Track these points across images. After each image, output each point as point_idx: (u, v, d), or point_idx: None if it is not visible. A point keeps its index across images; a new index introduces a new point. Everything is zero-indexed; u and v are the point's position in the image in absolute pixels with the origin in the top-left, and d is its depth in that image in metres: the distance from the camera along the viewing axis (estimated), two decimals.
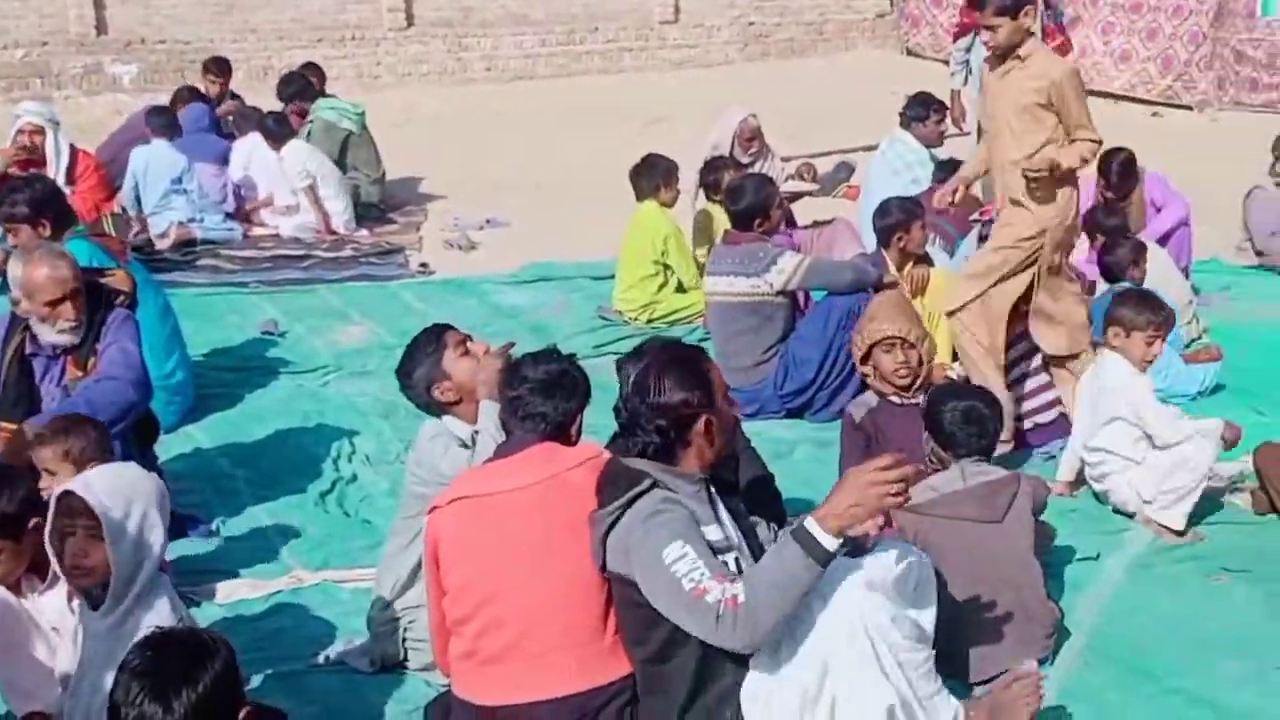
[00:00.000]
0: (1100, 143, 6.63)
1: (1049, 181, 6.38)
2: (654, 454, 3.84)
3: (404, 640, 4.73)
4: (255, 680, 4.53)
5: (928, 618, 3.91)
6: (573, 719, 3.82)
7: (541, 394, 4.24)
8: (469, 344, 4.85)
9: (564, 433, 4.29)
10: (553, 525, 3.96)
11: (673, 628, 3.65)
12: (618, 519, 3.74)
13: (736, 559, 3.85)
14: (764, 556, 3.72)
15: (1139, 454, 5.82)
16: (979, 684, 4.51)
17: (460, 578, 4.02)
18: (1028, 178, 6.31)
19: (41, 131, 10.21)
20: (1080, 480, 6.20)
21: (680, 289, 8.84)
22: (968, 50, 11.22)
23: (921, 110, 10.27)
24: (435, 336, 4.84)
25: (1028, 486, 4.93)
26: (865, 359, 6.07)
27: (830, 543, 3.48)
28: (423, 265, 10.84)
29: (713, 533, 3.82)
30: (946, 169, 9.64)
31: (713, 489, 3.98)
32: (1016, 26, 6.37)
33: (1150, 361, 5.96)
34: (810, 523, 3.52)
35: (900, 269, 7.58)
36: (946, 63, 12.45)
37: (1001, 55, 6.50)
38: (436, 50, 19.26)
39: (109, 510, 3.73)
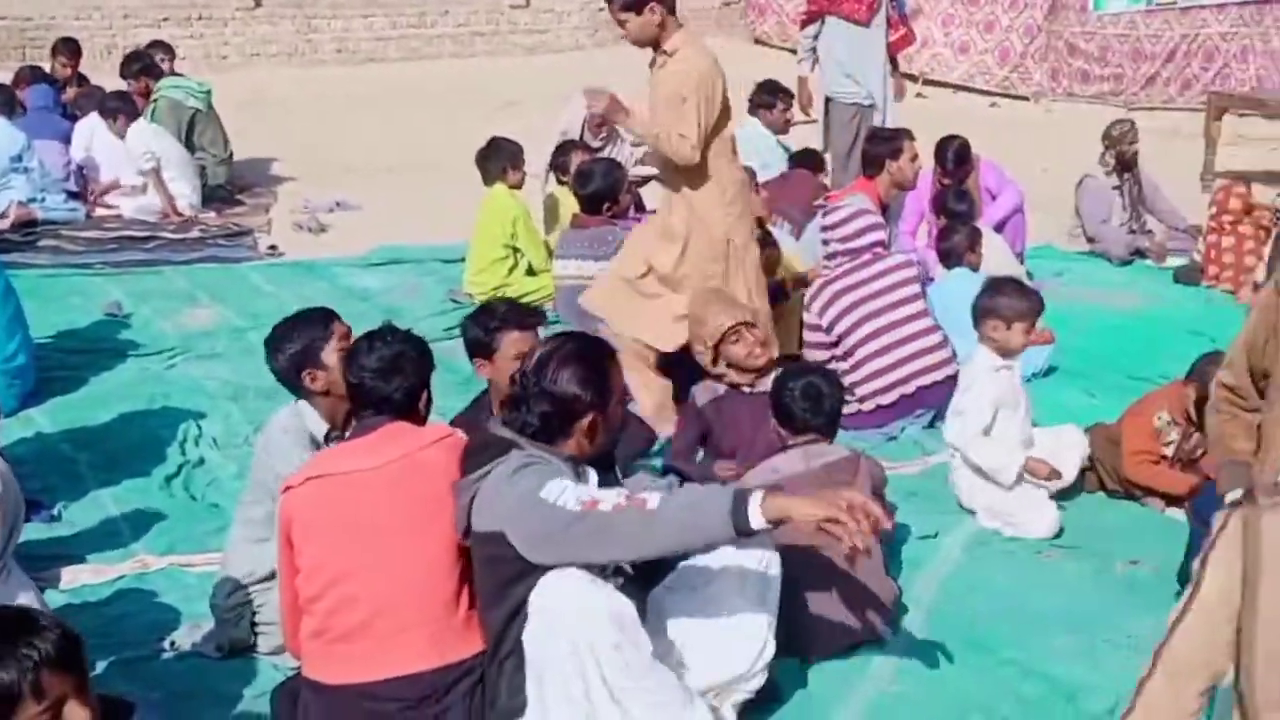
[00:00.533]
0: (695, 148, 6.45)
1: (680, 175, 6.59)
2: (531, 435, 3.83)
3: (253, 624, 4.67)
4: (100, 666, 4.43)
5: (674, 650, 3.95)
6: (423, 696, 3.80)
7: (381, 379, 4.21)
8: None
9: (412, 410, 4.28)
10: (406, 504, 3.95)
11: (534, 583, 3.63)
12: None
13: None
14: (688, 489, 3.88)
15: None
16: (818, 661, 4.57)
17: (313, 557, 3.98)
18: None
19: None
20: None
21: (530, 272, 8.79)
22: (815, 38, 11.29)
23: (769, 98, 10.40)
24: (324, 323, 4.74)
25: (866, 467, 4.99)
26: (715, 360, 6.04)
27: (757, 521, 3.47)
28: (271, 247, 10.68)
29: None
30: (801, 157, 9.78)
31: (582, 466, 3.94)
32: (644, 21, 6.49)
33: (1020, 350, 5.97)
34: (756, 494, 3.53)
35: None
36: (794, 50, 12.52)
37: (653, 49, 6.66)
38: (285, 31, 18.99)
39: None
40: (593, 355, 3.94)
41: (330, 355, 4.61)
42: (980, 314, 5.92)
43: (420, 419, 4.31)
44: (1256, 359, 3.55)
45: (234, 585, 4.67)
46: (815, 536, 3.84)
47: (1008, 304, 5.84)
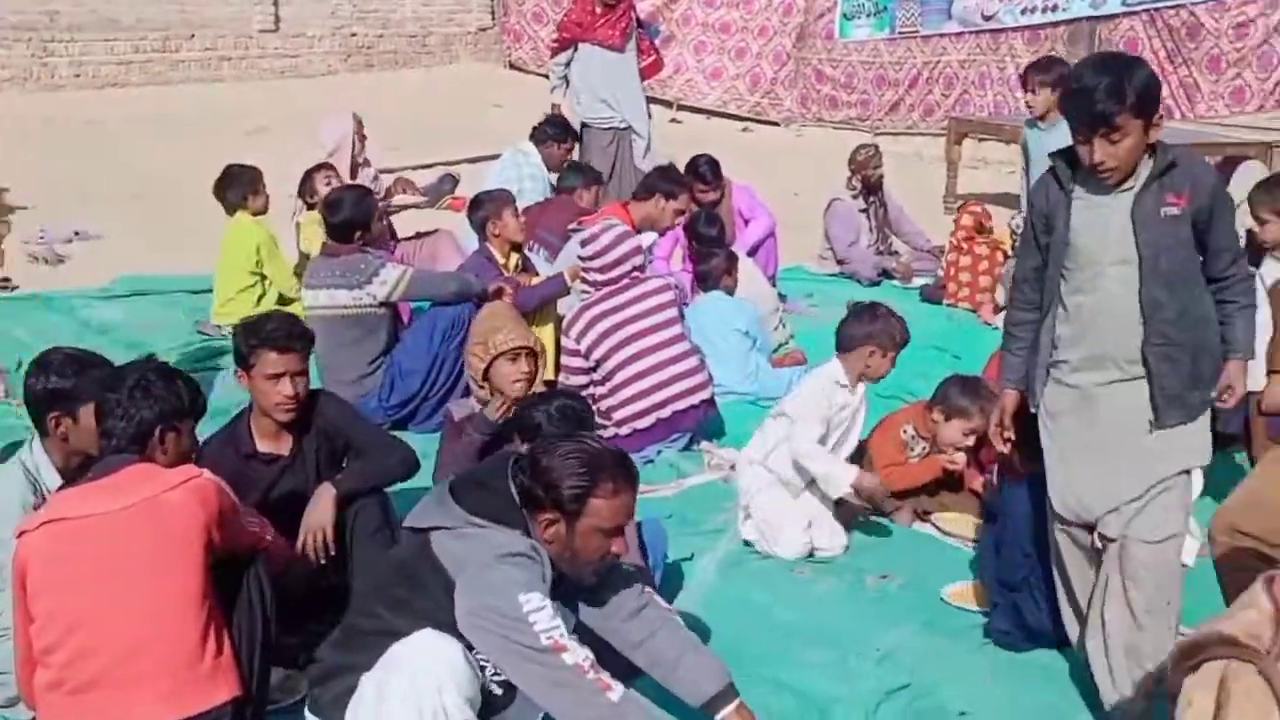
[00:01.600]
0: None
1: None
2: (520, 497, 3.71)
3: None
4: None
5: None
6: None
7: (123, 416, 4.02)
8: None
9: (144, 447, 4.05)
10: (148, 548, 3.76)
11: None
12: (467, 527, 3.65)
13: None
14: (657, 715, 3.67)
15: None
16: None
17: (48, 604, 3.76)
18: None
19: None
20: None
21: (283, 301, 8.56)
22: (566, 65, 11.36)
23: (558, 133, 10.39)
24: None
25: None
26: (486, 372, 5.90)
27: None
28: (4, 280, 10.20)
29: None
30: (566, 179, 9.75)
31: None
32: None
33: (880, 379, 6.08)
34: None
35: (506, 260, 7.66)
36: (547, 76, 12.57)
37: None
38: (19, 55, 18.32)
39: None
40: (596, 464, 3.71)
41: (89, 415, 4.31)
42: (858, 339, 5.89)
43: (164, 455, 4.08)
44: None
45: None
46: None
47: (886, 332, 5.87)
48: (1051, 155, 4.26)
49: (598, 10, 11.29)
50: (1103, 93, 3.81)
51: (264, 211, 8.92)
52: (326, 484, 4.73)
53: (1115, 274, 3.99)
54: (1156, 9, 15.86)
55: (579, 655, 3.46)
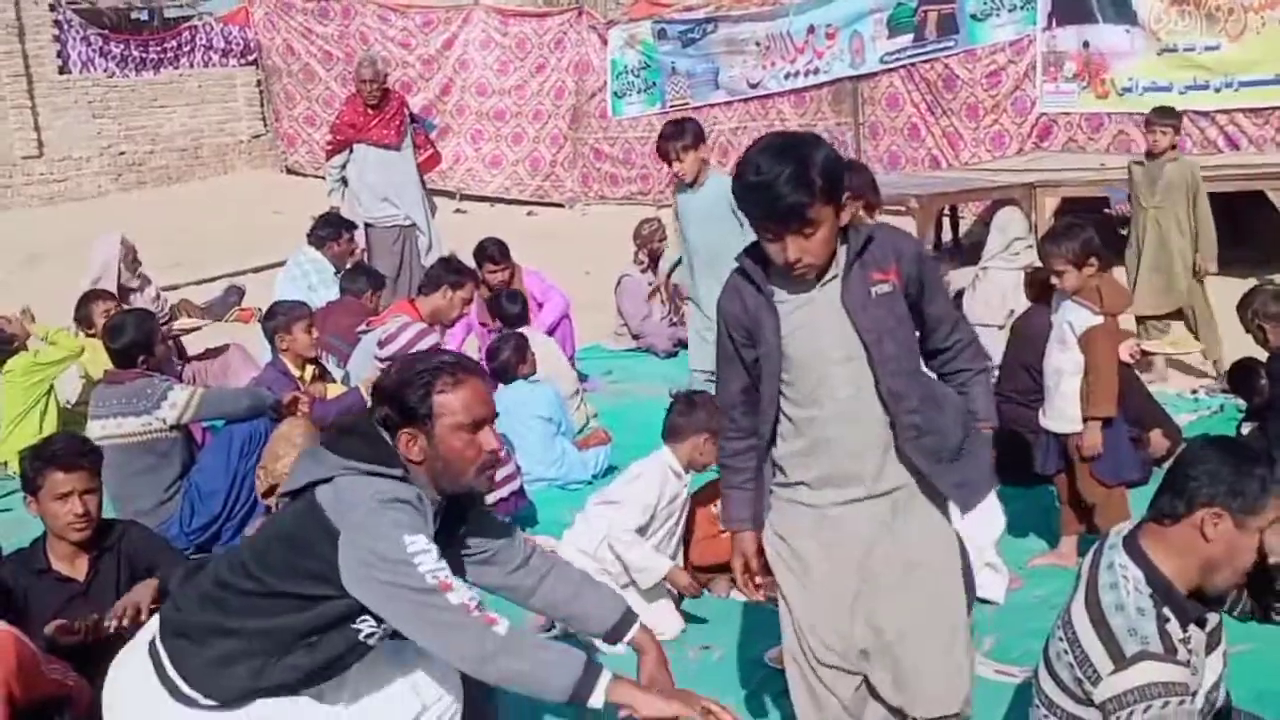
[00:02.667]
0: None
1: None
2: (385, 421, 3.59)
3: None
4: None
5: None
6: None
7: None
8: None
9: None
10: None
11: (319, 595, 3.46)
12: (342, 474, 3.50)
13: None
14: (544, 643, 3.61)
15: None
16: None
17: None
18: None
19: None
20: None
21: (62, 426, 8.29)
22: (342, 167, 11.35)
23: (332, 230, 10.33)
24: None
25: None
26: (269, 493, 5.85)
27: (598, 700, 3.34)
28: None
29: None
30: (350, 279, 9.71)
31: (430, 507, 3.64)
32: None
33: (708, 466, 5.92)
34: (607, 674, 3.38)
35: (301, 371, 7.61)
36: (325, 178, 12.54)
37: None
38: None
39: None
40: (431, 365, 3.65)
41: None
42: (690, 427, 5.89)
43: None
44: None
45: None
46: None
47: (716, 418, 5.65)
48: (738, 257, 3.72)
49: (369, 110, 11.32)
50: (787, 184, 3.33)
51: (22, 344, 8.66)
52: (149, 580, 4.65)
53: (843, 374, 3.52)
54: (913, 64, 16.39)
55: (464, 594, 3.37)
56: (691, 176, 7.97)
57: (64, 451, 4.71)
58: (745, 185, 3.44)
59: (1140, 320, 9.17)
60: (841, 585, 3.64)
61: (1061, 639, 3.54)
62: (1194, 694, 3.41)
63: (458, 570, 3.67)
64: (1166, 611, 3.39)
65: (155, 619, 3.71)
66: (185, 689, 3.48)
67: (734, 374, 3.69)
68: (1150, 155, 9.17)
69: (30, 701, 3.87)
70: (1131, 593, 3.42)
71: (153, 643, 3.57)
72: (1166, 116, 9.26)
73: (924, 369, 3.68)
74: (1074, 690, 3.49)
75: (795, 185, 3.32)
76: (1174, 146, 9.14)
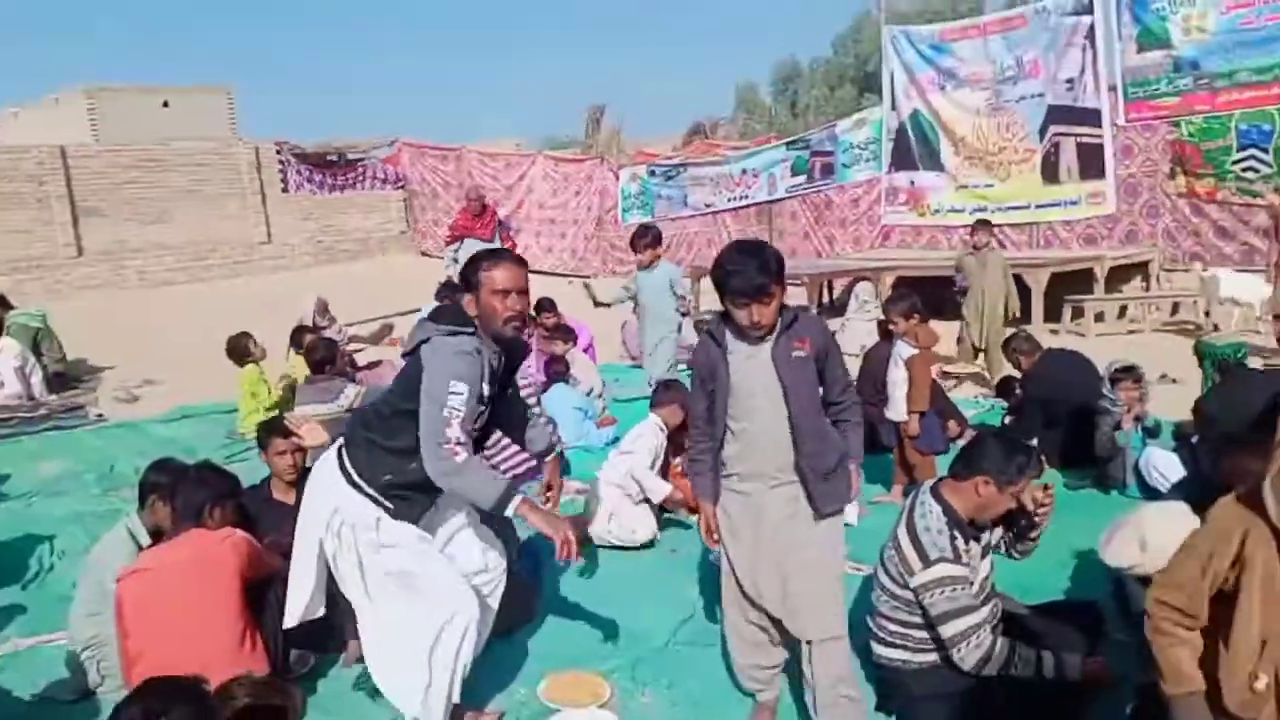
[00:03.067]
0: None
1: None
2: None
3: (99, 671, 4.18)
4: None
5: None
6: None
7: (186, 497, 4.00)
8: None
9: (199, 518, 3.97)
10: (198, 585, 3.71)
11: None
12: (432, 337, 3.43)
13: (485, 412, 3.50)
14: (486, 472, 3.43)
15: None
16: None
17: (134, 626, 3.72)
18: None
19: None
20: None
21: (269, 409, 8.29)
22: (455, 252, 11.33)
23: (450, 291, 10.30)
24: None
25: None
26: None
27: (510, 510, 3.32)
28: (99, 415, 9.78)
29: (485, 389, 3.45)
30: None
31: (501, 358, 3.56)
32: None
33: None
34: (519, 497, 3.33)
35: None
36: (443, 259, 12.53)
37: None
38: (102, 270, 17.72)
39: None
40: (484, 254, 3.59)
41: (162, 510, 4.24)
42: (668, 399, 5.93)
43: (213, 528, 3.97)
44: (1215, 582, 2.50)
45: (76, 650, 4.25)
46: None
47: (685, 392, 5.55)
48: (706, 325, 3.65)
49: (474, 218, 11.41)
50: (755, 270, 3.28)
51: (262, 358, 8.65)
52: None
53: (767, 405, 3.41)
54: (805, 194, 16.41)
55: (457, 433, 3.28)
56: (648, 262, 7.98)
57: (279, 428, 4.83)
58: (727, 271, 3.33)
59: (974, 348, 9.21)
60: (760, 547, 3.53)
61: (891, 548, 3.59)
62: (973, 583, 3.45)
63: (498, 411, 3.61)
64: (955, 533, 3.44)
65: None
66: (352, 474, 3.51)
67: (700, 399, 3.55)
68: (975, 249, 9.22)
69: (258, 577, 3.92)
70: (934, 520, 3.45)
71: (339, 449, 3.60)
72: (986, 225, 9.46)
73: (821, 414, 3.53)
74: (896, 579, 3.51)
75: (761, 271, 3.27)
76: (988, 244, 9.20)
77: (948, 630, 3.39)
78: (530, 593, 4.77)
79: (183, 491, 4.04)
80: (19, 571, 5.76)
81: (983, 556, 3.58)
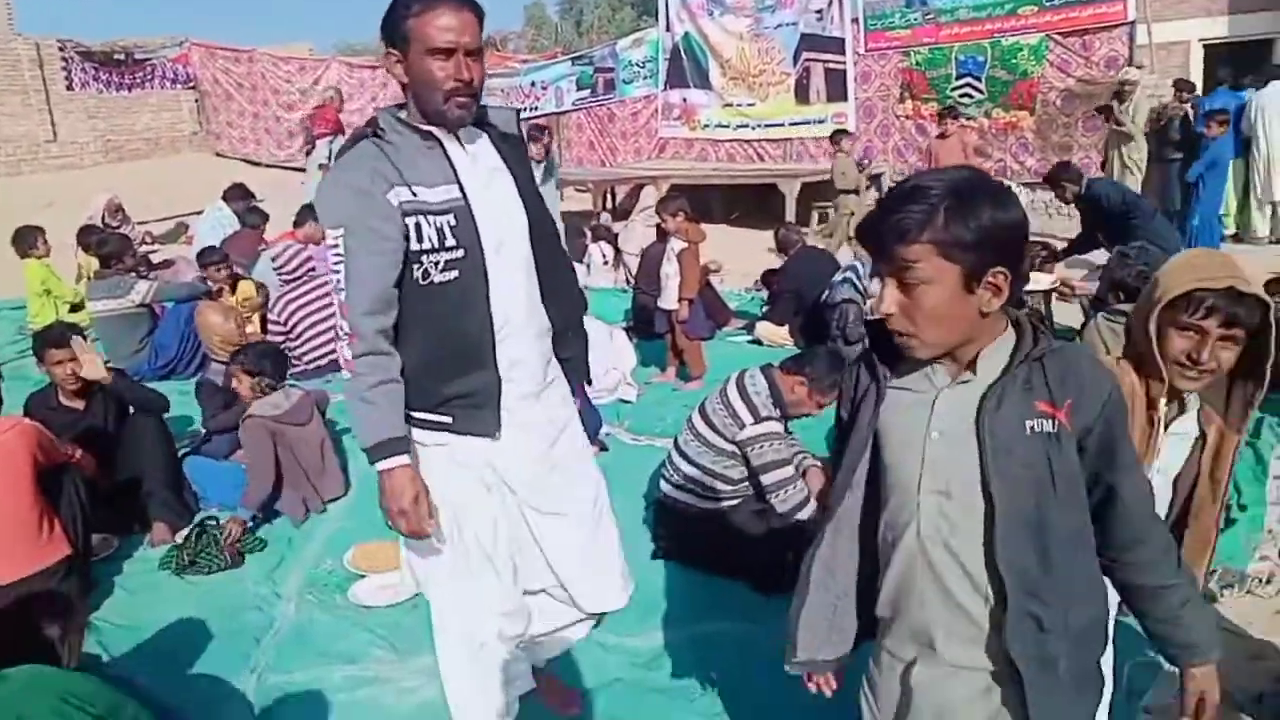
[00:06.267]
0: None
1: None
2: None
3: None
4: None
5: None
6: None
7: None
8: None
9: None
10: (11, 464, 3.41)
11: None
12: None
13: (453, 219, 2.10)
14: (380, 398, 2.09)
15: None
16: None
17: None
18: None
19: None
20: None
21: (72, 309, 7.58)
22: (331, 146, 10.69)
23: (238, 193, 9.58)
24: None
25: (310, 397, 4.64)
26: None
27: (377, 466, 2.11)
28: None
29: (436, 194, 2.10)
30: (246, 219, 9.04)
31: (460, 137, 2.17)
32: None
33: None
34: (397, 460, 2.10)
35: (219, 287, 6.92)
36: (248, 161, 11.64)
37: None
38: None
39: None
40: None
41: None
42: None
43: None
44: None
45: None
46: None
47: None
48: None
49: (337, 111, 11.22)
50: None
51: (46, 256, 7.81)
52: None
53: (953, 510, 1.54)
54: (589, 107, 16.22)
55: (353, 317, 2.11)
56: None
57: (52, 337, 4.30)
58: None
59: None
60: None
61: (718, 403, 3.68)
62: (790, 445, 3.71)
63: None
64: (773, 405, 3.64)
65: None
66: None
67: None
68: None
69: (50, 463, 3.60)
70: (762, 389, 3.65)
71: None
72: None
73: (1081, 550, 1.55)
74: (721, 430, 3.66)
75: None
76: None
77: (770, 478, 3.52)
78: (339, 477, 4.64)
79: None
80: None
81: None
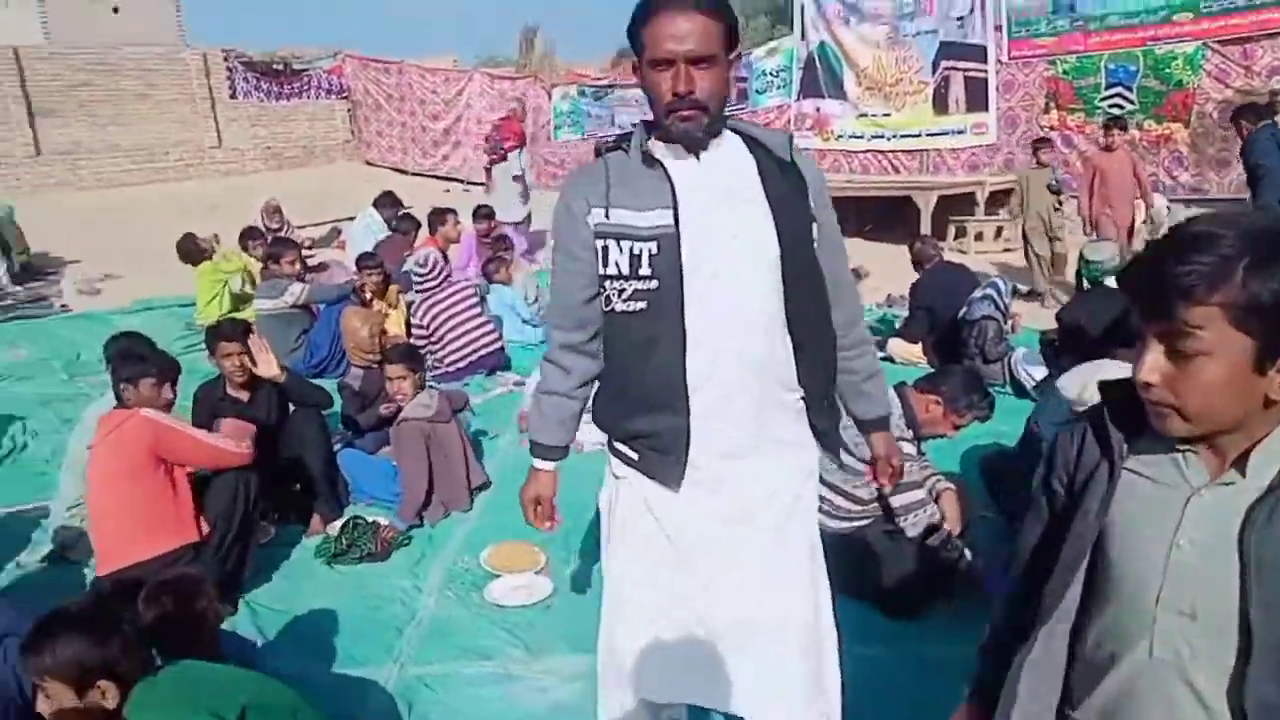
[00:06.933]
0: None
1: None
2: None
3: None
4: None
5: None
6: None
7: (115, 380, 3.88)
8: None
9: (120, 399, 3.85)
10: (111, 458, 3.57)
11: None
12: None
13: (656, 247, 1.87)
14: (546, 405, 2.15)
15: None
16: None
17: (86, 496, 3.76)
18: None
19: None
20: None
21: (234, 308, 8.08)
22: (521, 160, 11.11)
23: (388, 200, 10.09)
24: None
25: (445, 396, 4.74)
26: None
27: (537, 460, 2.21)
28: (64, 305, 9.42)
29: (645, 219, 1.88)
30: (398, 227, 9.43)
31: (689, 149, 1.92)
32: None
33: None
34: (537, 454, 2.21)
35: (371, 292, 7.20)
36: (395, 169, 12.15)
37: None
38: (59, 169, 16.82)
39: None
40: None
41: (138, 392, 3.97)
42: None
43: (133, 403, 3.77)
44: None
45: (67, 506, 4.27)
46: None
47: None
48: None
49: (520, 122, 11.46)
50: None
51: (212, 254, 8.40)
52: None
53: (1198, 635, 1.25)
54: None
55: (550, 330, 2.14)
56: None
57: (226, 329, 4.56)
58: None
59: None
60: None
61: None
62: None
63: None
64: (907, 426, 3.53)
65: None
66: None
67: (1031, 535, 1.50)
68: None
69: (171, 458, 3.66)
70: (895, 409, 3.51)
71: None
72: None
73: None
74: (852, 450, 3.34)
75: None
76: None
77: (900, 500, 3.38)
78: (480, 474, 4.80)
79: (113, 373, 3.92)
80: None
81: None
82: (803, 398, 2.02)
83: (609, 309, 1.98)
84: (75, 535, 4.15)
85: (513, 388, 6.55)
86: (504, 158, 11.12)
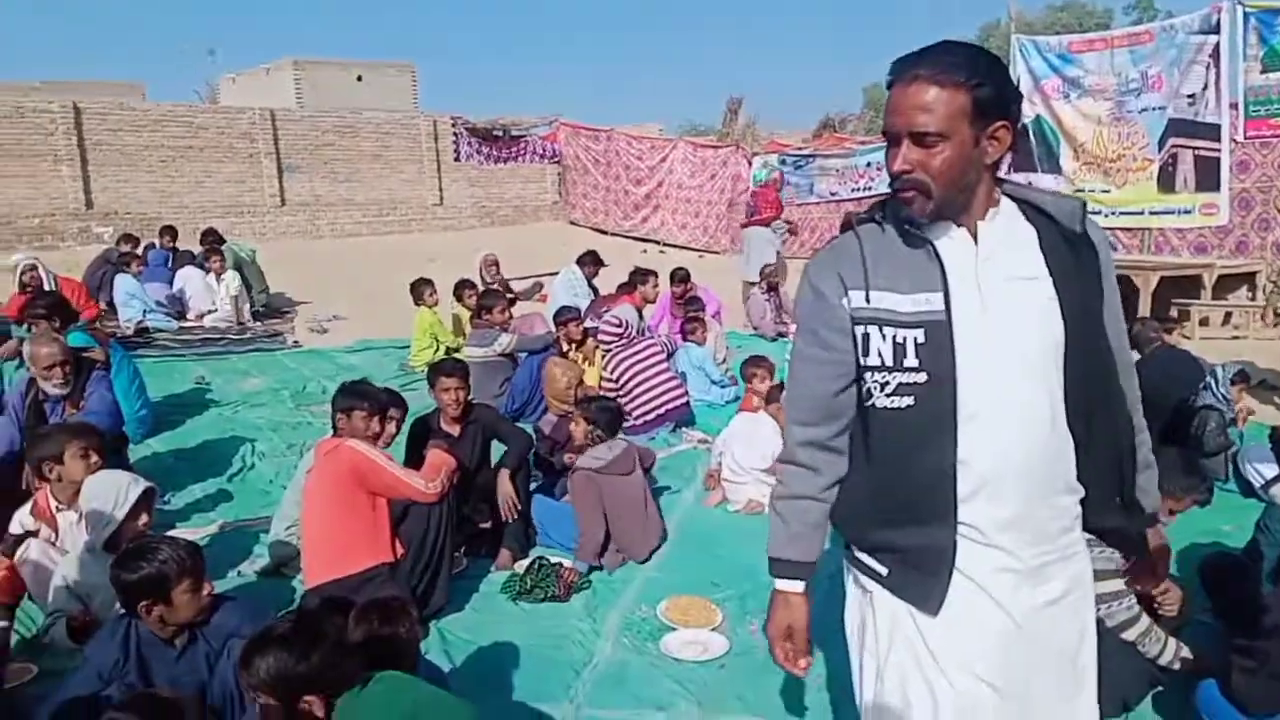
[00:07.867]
0: None
1: None
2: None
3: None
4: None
5: None
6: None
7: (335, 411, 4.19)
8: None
9: (335, 428, 4.18)
10: (322, 482, 3.83)
11: None
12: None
13: (923, 335, 1.66)
14: (790, 513, 1.85)
15: None
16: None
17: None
18: None
19: (34, 268, 8.38)
20: None
21: (447, 353, 8.58)
22: (779, 232, 11.72)
23: (590, 259, 10.44)
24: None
25: (637, 451, 4.86)
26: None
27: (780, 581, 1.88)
28: (295, 341, 10.29)
29: (910, 302, 1.68)
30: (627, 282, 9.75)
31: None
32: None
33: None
34: (783, 574, 1.86)
35: (570, 343, 7.46)
36: (596, 230, 12.58)
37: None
38: (300, 219, 18.51)
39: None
40: None
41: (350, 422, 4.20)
42: (758, 374, 5.76)
43: (349, 434, 4.04)
44: None
45: (285, 525, 4.58)
46: None
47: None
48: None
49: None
50: None
51: (435, 305, 9.00)
52: (504, 470, 4.71)
53: None
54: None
55: (790, 430, 1.89)
56: None
57: (448, 369, 4.87)
58: None
59: None
60: None
61: None
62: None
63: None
64: None
65: None
66: None
67: None
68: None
69: (373, 488, 3.85)
70: None
71: None
72: None
73: None
74: None
75: None
76: None
77: (1101, 587, 3.17)
78: (659, 527, 4.84)
79: (335, 408, 4.21)
80: (225, 466, 6.18)
81: None
82: (1081, 499, 1.79)
83: (868, 403, 1.73)
84: (291, 553, 4.47)
85: (698, 445, 6.59)
86: (766, 223, 11.71)
